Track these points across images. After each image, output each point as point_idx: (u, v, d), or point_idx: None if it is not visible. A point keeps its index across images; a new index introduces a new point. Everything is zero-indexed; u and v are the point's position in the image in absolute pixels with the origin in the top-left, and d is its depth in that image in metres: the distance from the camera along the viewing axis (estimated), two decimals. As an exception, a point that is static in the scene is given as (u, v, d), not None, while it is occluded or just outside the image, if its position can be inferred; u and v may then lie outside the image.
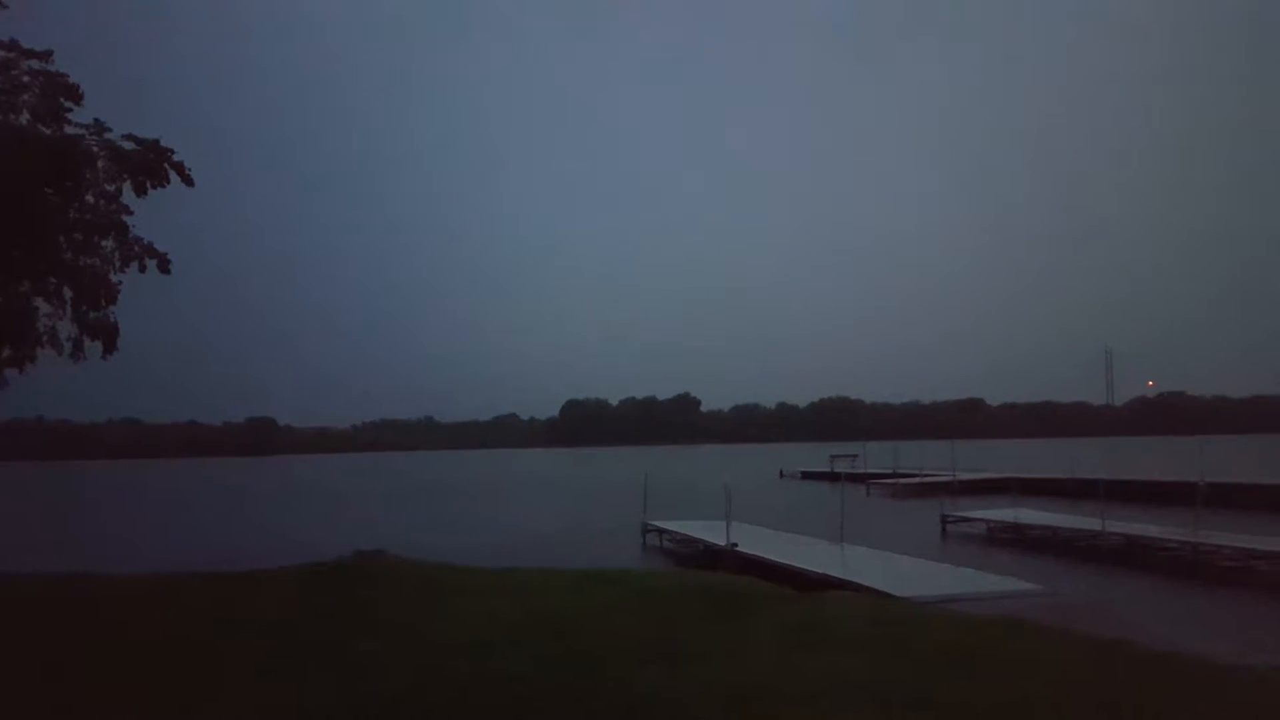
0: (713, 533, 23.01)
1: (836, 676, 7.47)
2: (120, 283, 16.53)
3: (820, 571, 16.94)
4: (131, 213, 16.43)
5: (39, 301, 16.06)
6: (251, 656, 8.91)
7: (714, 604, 10.96)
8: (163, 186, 16.22)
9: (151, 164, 16.03)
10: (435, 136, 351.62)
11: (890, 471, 54.91)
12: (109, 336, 16.40)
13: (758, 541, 21.72)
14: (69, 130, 15.74)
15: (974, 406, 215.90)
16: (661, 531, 26.75)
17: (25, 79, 15.43)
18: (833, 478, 52.72)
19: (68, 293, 16.13)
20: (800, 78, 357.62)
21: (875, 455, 65.76)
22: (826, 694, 6.98)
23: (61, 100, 15.57)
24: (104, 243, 16.33)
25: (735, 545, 20.57)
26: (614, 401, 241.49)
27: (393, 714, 6.83)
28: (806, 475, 65.13)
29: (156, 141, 16.17)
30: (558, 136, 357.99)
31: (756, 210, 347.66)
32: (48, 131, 15.53)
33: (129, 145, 16.00)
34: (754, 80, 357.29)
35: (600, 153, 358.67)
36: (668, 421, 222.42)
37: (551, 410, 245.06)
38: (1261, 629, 14.56)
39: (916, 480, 48.55)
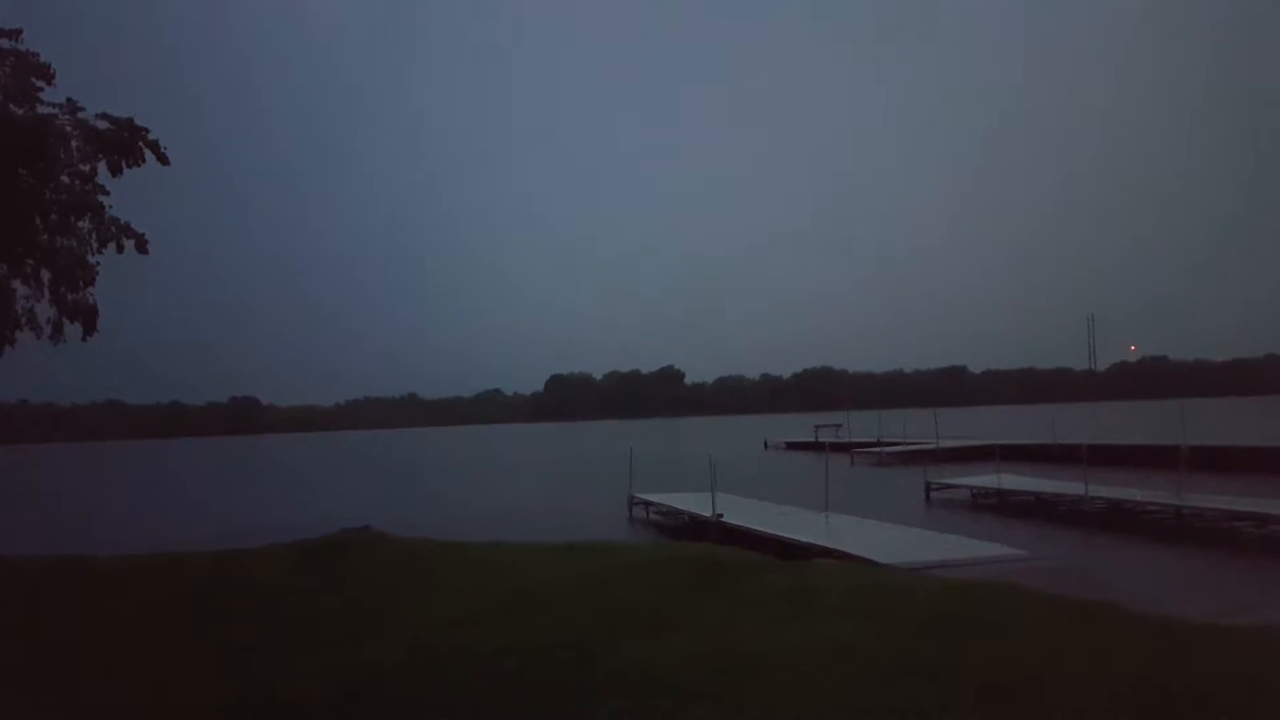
0: (699, 504, 23.08)
1: (824, 644, 7.51)
2: (98, 264, 16.39)
3: (806, 540, 17.04)
4: (108, 193, 16.26)
5: (16, 284, 15.92)
6: (239, 633, 8.91)
7: (701, 575, 10.98)
8: (138, 166, 16.04)
9: (126, 143, 15.83)
10: (421, 114, 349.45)
11: (874, 440, 55.13)
12: (88, 318, 16.28)
13: (743, 512, 21.82)
14: (41, 110, 15.54)
15: (957, 374, 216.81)
16: (648, 504, 26.83)
17: (-5, 58, 15.22)
18: (817, 447, 52.92)
19: (45, 275, 15.99)
20: (780, 51, 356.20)
21: (859, 424, 66.01)
22: (814, 661, 7.02)
23: (33, 79, 15.36)
24: (80, 224, 16.16)
25: (721, 516, 20.66)
26: (598, 375, 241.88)
27: (381, 689, 6.84)
28: (791, 445, 65.42)
29: (131, 120, 15.96)
30: (545, 121, 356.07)
31: (739, 184, 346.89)
32: (20, 111, 15.33)
33: (103, 125, 15.81)
34: (739, 62, 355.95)
35: (587, 133, 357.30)
36: (652, 394, 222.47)
37: (536, 385, 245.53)
38: (1245, 589, 14.71)
39: (900, 448, 48.82)
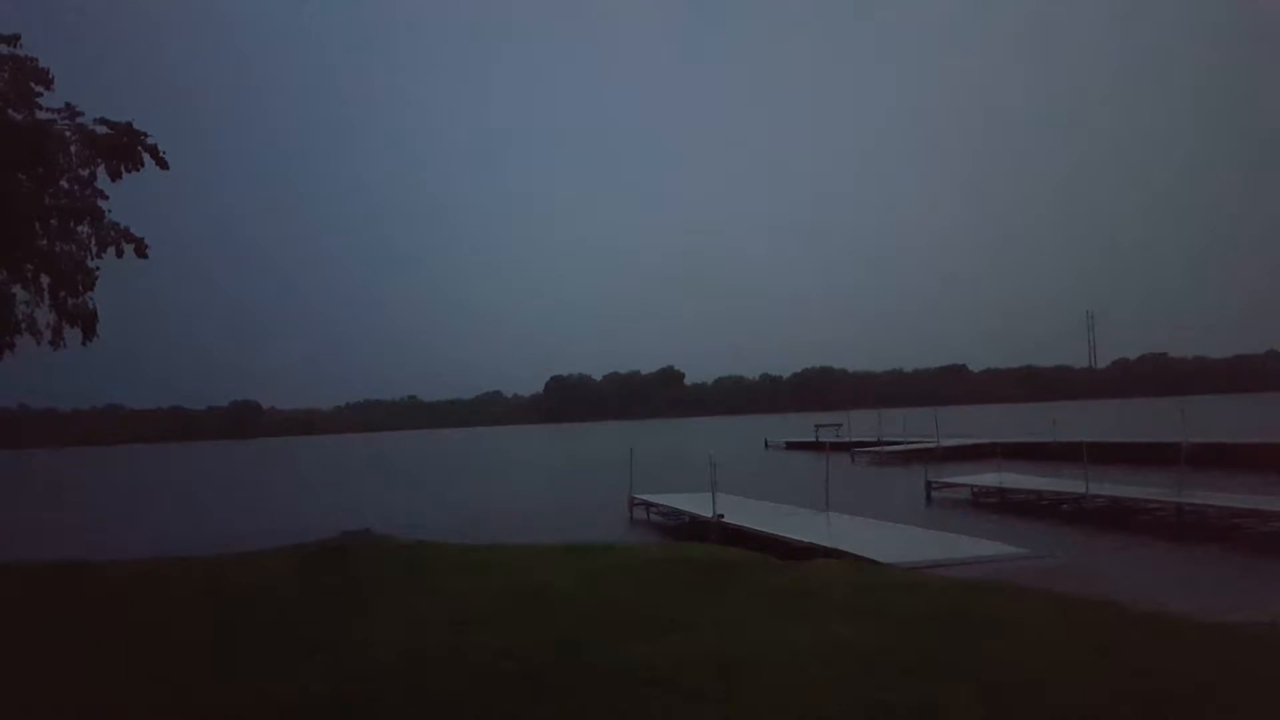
0: (699, 505, 23.08)
1: (825, 643, 7.52)
2: (98, 268, 16.40)
3: (807, 540, 17.05)
4: (106, 197, 16.29)
5: (16, 289, 15.93)
6: (241, 636, 8.91)
7: (702, 575, 11.00)
8: (137, 170, 16.06)
9: (125, 147, 15.85)
10: (419, 116, 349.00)
11: (874, 440, 55.15)
12: (88, 323, 16.29)
13: (744, 512, 21.82)
14: (40, 115, 15.55)
15: (956, 373, 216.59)
16: (648, 505, 26.83)
17: (-6, 65, 15.22)
18: (818, 447, 52.90)
19: (45, 279, 15.99)
20: (779, 50, 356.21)
21: (859, 424, 66.00)
22: (815, 661, 7.02)
23: (32, 85, 15.37)
24: (80, 228, 16.17)
25: (722, 516, 20.66)
26: (598, 376, 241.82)
27: (384, 692, 6.84)
28: (791, 445, 65.39)
29: (130, 124, 15.98)
30: (545, 121, 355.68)
31: (735, 183, 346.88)
32: (19, 117, 15.34)
33: (102, 129, 15.82)
34: (739, 61, 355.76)
35: (587, 133, 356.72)
36: (652, 395, 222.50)
37: (535, 387, 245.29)
38: (1246, 586, 14.71)
39: (900, 448, 48.83)
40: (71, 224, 16.11)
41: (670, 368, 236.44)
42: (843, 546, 15.83)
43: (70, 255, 16.12)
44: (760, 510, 22.72)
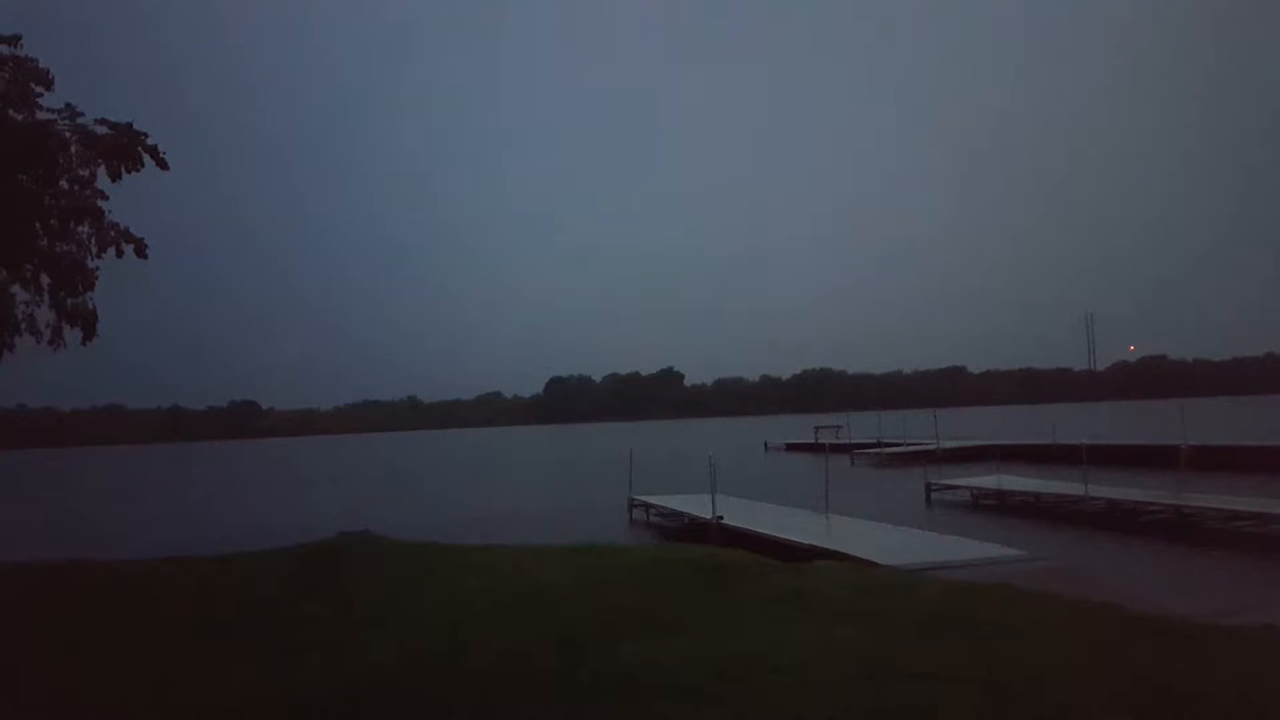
0: (699, 506, 23.08)
1: (824, 646, 7.52)
2: (97, 269, 16.38)
3: (806, 542, 17.02)
4: (107, 198, 16.26)
5: (16, 289, 15.92)
6: (240, 637, 8.91)
7: (701, 576, 10.99)
8: (137, 171, 16.04)
9: (125, 148, 15.82)
10: (420, 116, 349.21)
11: (874, 441, 55.16)
12: (88, 323, 16.26)
13: (744, 514, 21.81)
14: (40, 116, 15.54)
15: (956, 375, 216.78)
16: (648, 506, 26.83)
17: (-6, 65, 15.21)
18: (817, 449, 52.92)
19: (45, 280, 15.98)
20: (780, 52, 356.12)
21: (859, 425, 66.02)
22: (815, 663, 7.02)
23: (32, 85, 15.36)
24: (80, 229, 16.15)
25: (721, 518, 20.65)
26: (598, 377, 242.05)
27: (381, 691, 6.84)
28: (791, 447, 65.41)
29: (130, 125, 15.95)
30: (545, 123, 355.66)
31: (738, 185, 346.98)
32: (19, 117, 15.33)
33: (102, 130, 15.81)
34: (738, 63, 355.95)
35: (587, 136, 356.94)
36: (652, 396, 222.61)
37: (535, 388, 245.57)
38: (1245, 588, 14.72)
39: (900, 450, 48.81)
40: (71, 224, 16.08)
41: (670, 368, 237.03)
42: (842, 548, 15.81)
43: (70, 255, 16.10)
44: (760, 512, 22.72)
